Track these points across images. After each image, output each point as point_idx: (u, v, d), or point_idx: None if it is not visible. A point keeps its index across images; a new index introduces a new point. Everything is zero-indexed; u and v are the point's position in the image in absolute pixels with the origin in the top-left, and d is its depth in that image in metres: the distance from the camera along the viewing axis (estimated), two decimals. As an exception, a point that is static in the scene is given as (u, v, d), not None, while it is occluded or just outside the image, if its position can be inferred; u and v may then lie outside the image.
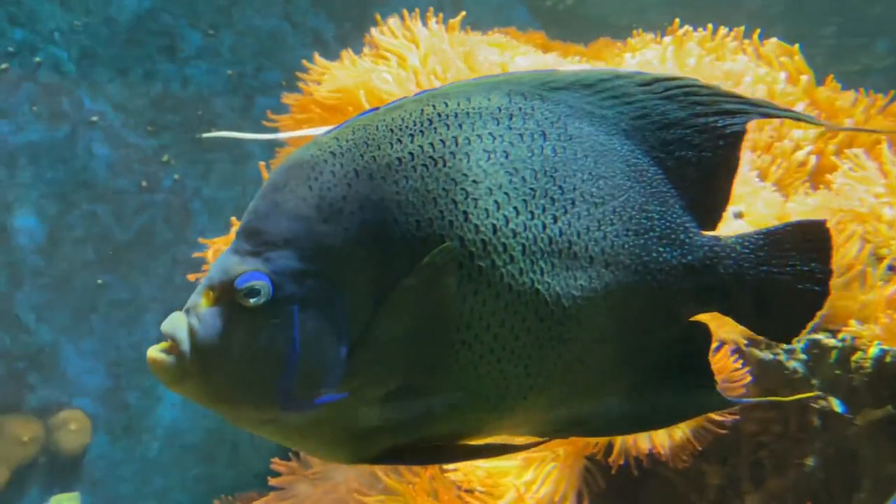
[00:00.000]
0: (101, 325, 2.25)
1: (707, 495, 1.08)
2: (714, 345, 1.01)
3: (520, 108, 0.68)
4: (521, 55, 1.70)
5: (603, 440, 1.05)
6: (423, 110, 0.67)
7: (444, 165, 0.65)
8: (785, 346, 1.04)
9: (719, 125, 0.69)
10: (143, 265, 2.30)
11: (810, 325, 0.70)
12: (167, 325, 0.64)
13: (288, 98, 1.74)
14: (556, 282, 0.66)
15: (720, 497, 1.08)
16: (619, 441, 1.05)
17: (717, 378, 0.98)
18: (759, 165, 1.32)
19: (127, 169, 2.29)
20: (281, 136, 1.65)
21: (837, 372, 1.08)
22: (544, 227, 0.66)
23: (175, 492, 2.26)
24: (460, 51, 1.66)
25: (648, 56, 1.62)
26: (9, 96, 2.17)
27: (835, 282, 1.09)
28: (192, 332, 0.63)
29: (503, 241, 0.65)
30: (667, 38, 1.63)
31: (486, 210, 0.65)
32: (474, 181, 0.65)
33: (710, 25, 1.65)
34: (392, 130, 0.66)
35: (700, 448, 0.99)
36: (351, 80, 1.63)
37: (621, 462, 1.04)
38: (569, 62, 1.72)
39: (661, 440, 1.00)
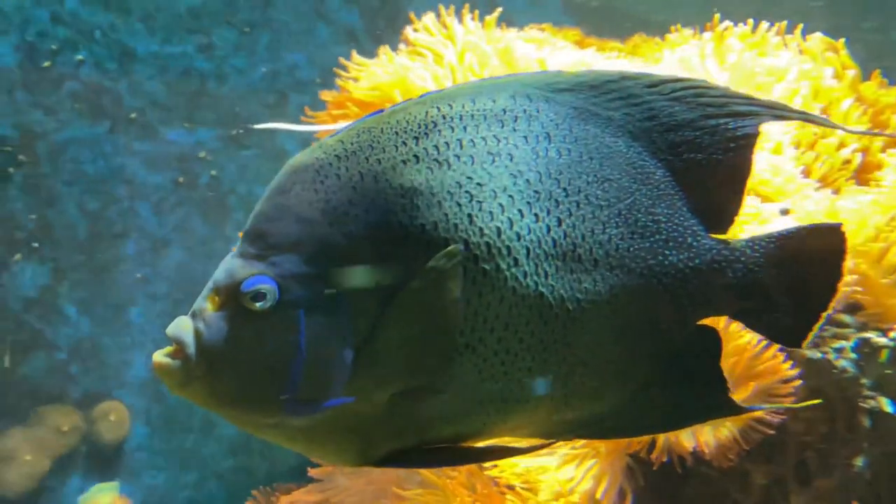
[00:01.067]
0: (139, 318, 2.29)
1: (751, 494, 1.07)
2: (762, 343, 1.00)
3: (525, 110, 0.67)
4: (558, 51, 1.69)
5: (645, 437, 1.05)
6: (427, 112, 0.66)
7: (449, 168, 0.65)
8: (835, 344, 1.03)
9: (730, 127, 0.68)
10: (181, 260, 2.34)
11: (817, 327, 0.69)
12: (173, 329, 0.64)
13: (325, 95, 1.75)
14: (561, 285, 0.65)
15: (764, 496, 1.07)
16: (661, 438, 1.04)
17: (767, 379, 0.97)
18: (804, 162, 1.30)
19: (165, 165, 2.33)
20: (327, 128, 1.66)
21: (888, 371, 1.06)
22: (549, 229, 0.66)
23: (210, 482, 2.29)
24: (497, 47, 1.65)
25: (687, 52, 1.60)
26: (52, 93, 2.22)
27: (888, 280, 1.07)
28: (198, 337, 0.63)
29: (507, 244, 0.65)
30: (706, 34, 1.61)
31: (491, 213, 0.65)
32: (479, 184, 0.65)
33: (750, 21, 1.63)
34: (397, 133, 0.66)
35: (747, 448, 0.98)
36: (388, 78, 1.63)
37: (664, 459, 1.03)
38: (606, 58, 1.71)
39: (705, 439, 1.00)
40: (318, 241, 0.63)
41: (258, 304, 0.62)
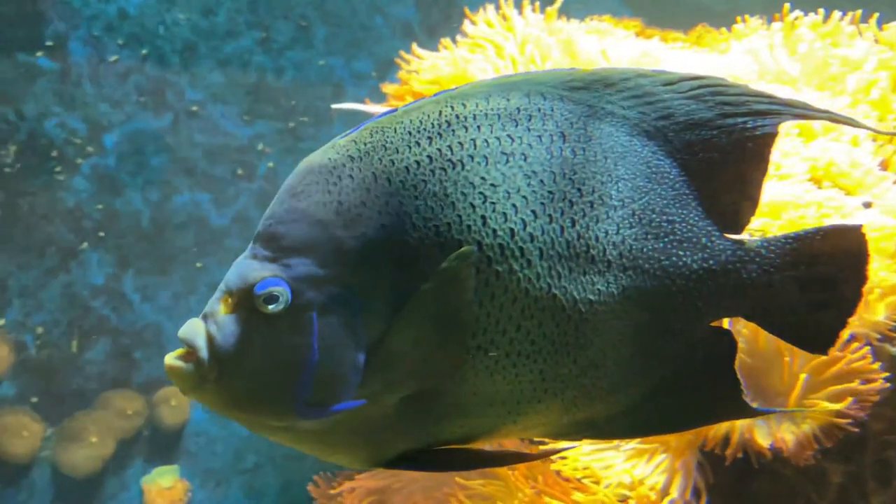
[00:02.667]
0: (199, 306, 2.34)
1: (827, 494, 1.05)
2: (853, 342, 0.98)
3: (539, 109, 0.67)
4: (621, 41, 1.68)
5: (720, 433, 1.04)
6: (441, 112, 0.66)
7: (463, 169, 0.65)
8: (923, 342, 1.00)
9: (748, 126, 0.67)
10: (239, 250, 2.38)
11: (845, 334, 0.67)
12: (185, 332, 0.63)
13: (386, 88, 1.77)
14: (573, 286, 0.65)
15: (841, 496, 1.05)
16: (736, 434, 1.03)
17: (850, 378, 0.95)
18: (881, 155, 1.27)
19: (224, 157, 2.38)
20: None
21: (977, 370, 1.03)
22: (562, 230, 0.65)
23: (266, 469, 2.34)
24: (559, 38, 1.65)
25: (755, 43, 1.57)
26: (118, 87, 2.29)
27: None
28: (210, 339, 0.63)
29: (521, 246, 0.64)
30: (775, 24, 1.58)
31: (505, 214, 0.64)
32: (492, 185, 0.64)
33: (821, 10, 1.59)
34: (410, 133, 0.65)
35: (828, 446, 0.96)
36: (449, 70, 1.64)
37: (739, 455, 1.02)
38: (670, 49, 1.69)
39: (783, 435, 0.98)
40: (330, 244, 0.63)
41: (271, 307, 0.62)
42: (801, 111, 0.68)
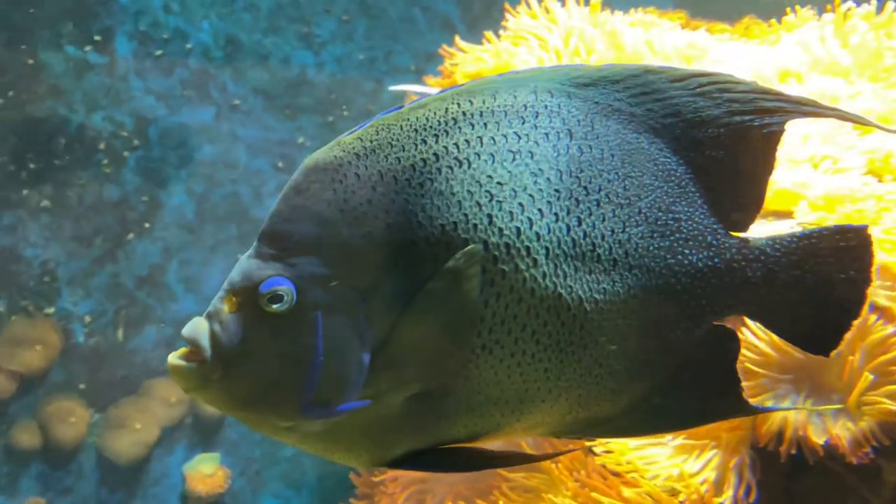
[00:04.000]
0: (240, 297, 2.38)
1: (882, 493, 1.04)
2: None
3: (546, 106, 0.66)
4: (667, 32, 1.66)
5: (773, 429, 1.02)
6: (447, 109, 0.65)
7: (469, 167, 0.64)
8: None
9: (756, 125, 0.66)
10: (280, 242, 2.41)
11: (848, 335, 0.66)
12: (188, 331, 0.63)
13: (429, 81, 1.77)
14: (579, 286, 0.65)
15: (897, 495, 1.03)
16: (790, 430, 1.02)
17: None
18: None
19: (265, 150, 2.41)
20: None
21: None
22: (568, 229, 0.65)
23: (304, 458, 2.37)
24: (604, 30, 1.64)
25: (806, 34, 1.54)
26: (163, 80, 2.33)
27: None
28: (214, 339, 0.62)
29: (527, 245, 0.64)
30: (826, 15, 1.55)
31: (511, 213, 0.64)
32: (499, 183, 0.64)
33: (874, 0, 1.55)
34: (416, 130, 0.64)
35: (887, 443, 0.94)
36: (492, 63, 1.64)
37: (793, 452, 1.01)
38: (718, 40, 1.67)
39: (838, 432, 0.97)
40: (336, 243, 0.62)
41: (275, 306, 0.61)
42: (811, 109, 0.67)
